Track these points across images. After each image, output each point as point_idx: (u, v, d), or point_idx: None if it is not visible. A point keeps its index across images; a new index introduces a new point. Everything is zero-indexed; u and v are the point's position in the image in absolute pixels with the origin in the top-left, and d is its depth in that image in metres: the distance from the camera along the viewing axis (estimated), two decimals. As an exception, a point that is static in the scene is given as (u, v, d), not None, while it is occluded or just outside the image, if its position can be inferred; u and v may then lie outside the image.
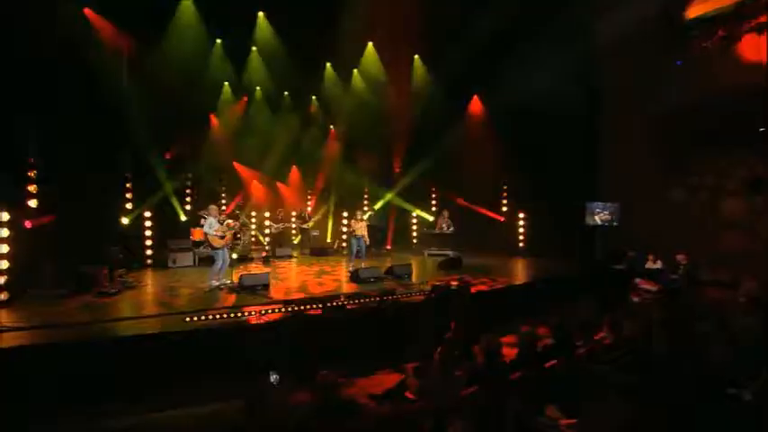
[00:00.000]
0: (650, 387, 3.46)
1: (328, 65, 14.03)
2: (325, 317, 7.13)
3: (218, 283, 8.66)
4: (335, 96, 14.24)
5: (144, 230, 10.98)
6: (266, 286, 8.56)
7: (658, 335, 4.52)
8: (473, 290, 8.63)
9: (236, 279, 8.83)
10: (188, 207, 12.59)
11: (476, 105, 13.81)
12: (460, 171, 13.41)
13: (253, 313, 7.08)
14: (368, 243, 10.65)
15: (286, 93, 14.33)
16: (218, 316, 6.83)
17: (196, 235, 11.23)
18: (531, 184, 12.18)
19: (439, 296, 8.01)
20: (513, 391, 3.61)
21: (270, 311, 7.15)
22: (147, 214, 11.01)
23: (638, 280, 9.03)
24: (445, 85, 12.99)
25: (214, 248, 8.73)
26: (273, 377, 4.95)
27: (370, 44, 13.47)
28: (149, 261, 10.98)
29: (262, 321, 6.79)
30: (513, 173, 13.06)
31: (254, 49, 12.81)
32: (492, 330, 5.12)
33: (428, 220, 14.52)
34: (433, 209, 14.71)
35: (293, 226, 14.29)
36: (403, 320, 7.33)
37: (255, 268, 10.96)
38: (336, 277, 10.08)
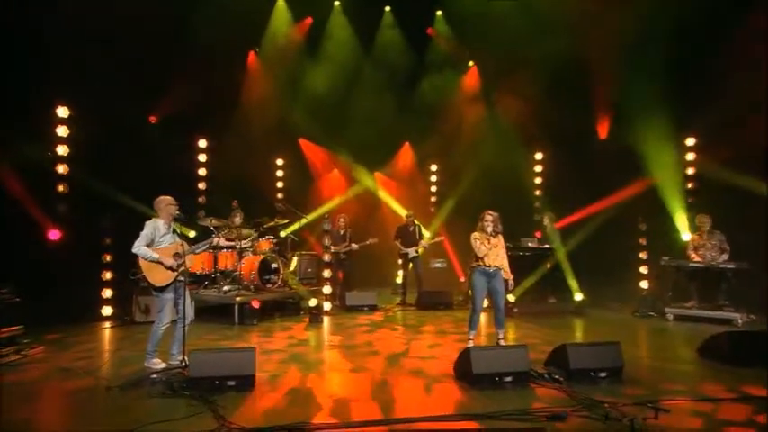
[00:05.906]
0: None
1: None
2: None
3: (160, 367, 5.67)
4: (474, 6, 11.35)
5: (103, 254, 8.74)
6: (247, 383, 4.95)
7: None
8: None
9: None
10: (202, 211, 10.40)
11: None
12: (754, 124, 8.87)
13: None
14: (512, 286, 7.14)
15: (387, 8, 12.03)
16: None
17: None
18: None
19: None
20: None
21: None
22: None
23: None
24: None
25: (156, 289, 5.82)
26: None
27: None
28: (107, 310, 8.62)
29: None
30: None
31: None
32: None
33: (681, 239, 10.36)
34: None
35: (401, 251, 10.69)
36: None
37: (284, 333, 7.72)
38: (437, 363, 6.01)
